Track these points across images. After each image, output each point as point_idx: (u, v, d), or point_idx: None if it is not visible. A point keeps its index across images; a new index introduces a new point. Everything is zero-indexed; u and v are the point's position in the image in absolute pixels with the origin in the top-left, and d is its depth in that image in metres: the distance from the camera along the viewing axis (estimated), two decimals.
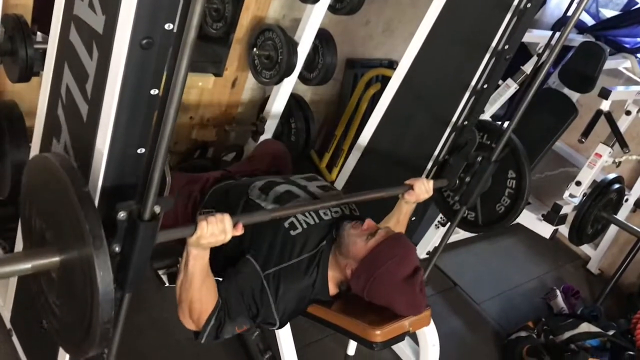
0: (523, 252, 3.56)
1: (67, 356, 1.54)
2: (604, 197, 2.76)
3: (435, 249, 2.36)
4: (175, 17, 1.11)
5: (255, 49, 2.54)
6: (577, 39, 3.00)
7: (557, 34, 1.88)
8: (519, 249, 3.57)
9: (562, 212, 2.80)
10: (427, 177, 2.31)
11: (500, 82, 2.73)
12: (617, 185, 2.79)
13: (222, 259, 1.59)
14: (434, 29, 1.99)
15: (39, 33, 1.90)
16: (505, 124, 2.02)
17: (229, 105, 2.87)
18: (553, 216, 2.82)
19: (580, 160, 3.36)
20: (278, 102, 2.58)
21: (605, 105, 2.75)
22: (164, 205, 1.16)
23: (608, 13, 3.37)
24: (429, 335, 1.93)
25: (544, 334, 2.69)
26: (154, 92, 1.17)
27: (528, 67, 2.79)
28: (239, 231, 1.38)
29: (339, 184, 2.41)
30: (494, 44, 2.07)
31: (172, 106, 1.06)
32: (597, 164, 2.78)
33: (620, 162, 2.90)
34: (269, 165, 2.21)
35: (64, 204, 1.08)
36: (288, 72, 2.43)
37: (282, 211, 1.65)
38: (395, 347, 2.39)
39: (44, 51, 1.43)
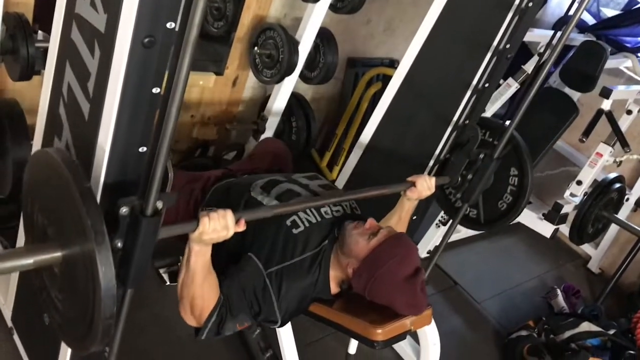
0: (524, 252, 3.56)
1: (68, 355, 1.54)
2: (605, 196, 2.75)
3: (436, 248, 2.37)
4: (177, 15, 1.11)
5: (256, 48, 2.54)
6: (578, 38, 3.00)
7: (559, 33, 1.88)
8: (519, 248, 3.57)
9: (563, 211, 2.80)
10: (428, 174, 2.31)
11: (501, 81, 2.73)
12: (617, 185, 2.79)
13: (224, 256, 1.59)
14: (435, 28, 1.99)
15: (40, 32, 1.90)
16: (507, 123, 2.02)
17: (229, 103, 2.87)
18: (554, 215, 2.82)
19: (581, 160, 3.36)
20: (279, 101, 2.58)
21: (606, 105, 2.75)
22: (167, 201, 1.16)
23: (609, 12, 3.36)
24: (430, 334, 1.93)
25: (544, 333, 2.69)
26: (155, 90, 1.17)
27: (529, 67, 2.79)
28: (242, 227, 1.38)
29: (340, 182, 2.41)
30: (495, 43, 2.07)
31: (174, 104, 1.06)
32: (598, 163, 2.78)
33: (621, 162, 2.90)
34: (269, 164, 2.21)
35: (65, 199, 1.08)
36: (289, 71, 2.43)
37: (285, 207, 1.65)
38: (396, 346, 2.40)
39: (45, 50, 1.44)
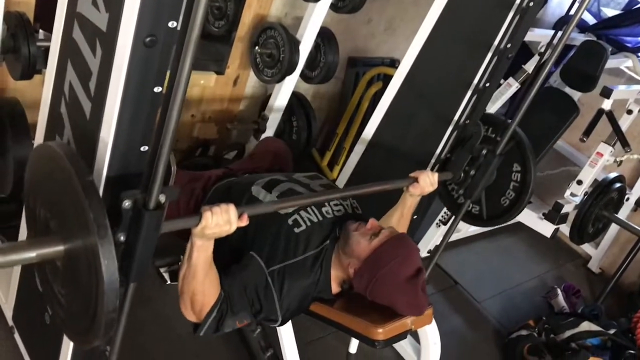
0: (524, 251, 3.56)
1: (69, 353, 1.54)
2: (605, 196, 2.76)
3: (437, 247, 2.37)
4: (179, 15, 1.11)
5: (257, 47, 2.54)
6: (578, 38, 3.00)
7: (559, 33, 1.87)
8: (519, 247, 3.57)
9: (563, 211, 2.80)
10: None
11: (501, 80, 2.73)
12: (618, 184, 2.79)
13: (227, 252, 1.59)
14: (436, 28, 1.99)
15: (41, 31, 1.90)
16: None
17: (230, 103, 2.87)
18: (554, 215, 2.82)
19: (582, 159, 3.36)
20: (280, 100, 2.58)
21: (606, 104, 2.75)
22: (169, 195, 1.16)
23: (610, 12, 3.36)
24: (431, 334, 1.93)
25: (544, 332, 2.69)
26: (157, 89, 1.17)
27: (529, 66, 2.79)
28: (244, 222, 1.38)
29: (341, 182, 2.41)
30: (496, 42, 2.07)
31: (175, 103, 1.07)
32: (598, 163, 2.78)
33: (621, 161, 2.90)
34: (270, 163, 2.21)
35: (68, 193, 1.07)
36: (290, 71, 2.43)
37: (287, 202, 1.66)
38: (396, 346, 2.40)
39: (47, 49, 1.44)
